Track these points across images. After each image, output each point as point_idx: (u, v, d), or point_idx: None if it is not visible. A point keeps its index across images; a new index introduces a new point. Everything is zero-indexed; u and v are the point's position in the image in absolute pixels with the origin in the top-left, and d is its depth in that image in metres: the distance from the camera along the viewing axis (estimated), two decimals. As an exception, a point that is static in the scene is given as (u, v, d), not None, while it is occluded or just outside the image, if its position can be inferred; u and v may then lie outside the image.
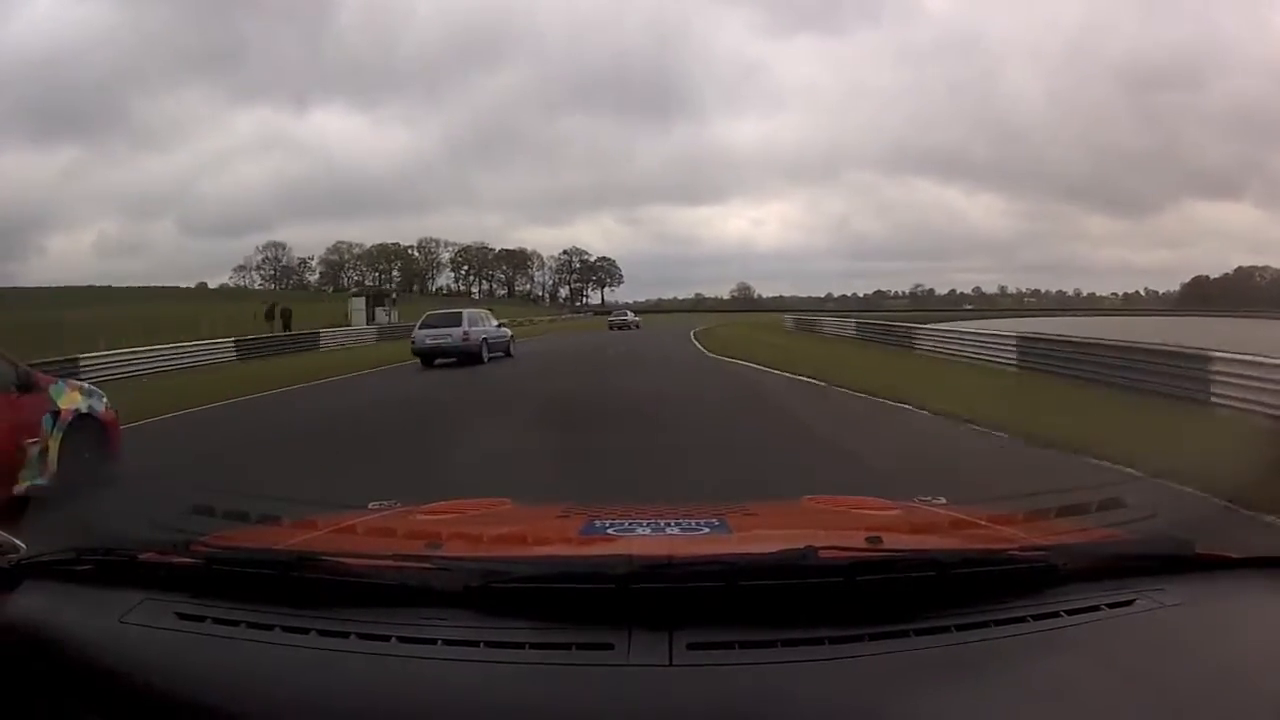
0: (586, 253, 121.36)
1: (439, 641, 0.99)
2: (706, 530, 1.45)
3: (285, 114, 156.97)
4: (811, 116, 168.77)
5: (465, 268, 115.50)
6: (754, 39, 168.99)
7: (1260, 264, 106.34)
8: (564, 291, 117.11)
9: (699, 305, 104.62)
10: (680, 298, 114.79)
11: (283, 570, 1.11)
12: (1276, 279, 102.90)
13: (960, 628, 1.01)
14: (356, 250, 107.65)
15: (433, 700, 0.93)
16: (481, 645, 0.98)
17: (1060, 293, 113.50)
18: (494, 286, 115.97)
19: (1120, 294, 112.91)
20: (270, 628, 1.03)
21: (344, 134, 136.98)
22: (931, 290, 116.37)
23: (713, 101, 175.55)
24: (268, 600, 1.08)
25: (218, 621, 1.06)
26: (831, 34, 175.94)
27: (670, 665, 0.94)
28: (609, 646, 0.96)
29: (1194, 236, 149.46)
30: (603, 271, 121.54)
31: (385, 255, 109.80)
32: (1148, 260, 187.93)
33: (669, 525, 1.46)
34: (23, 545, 1.18)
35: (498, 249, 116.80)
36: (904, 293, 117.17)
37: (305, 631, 1.02)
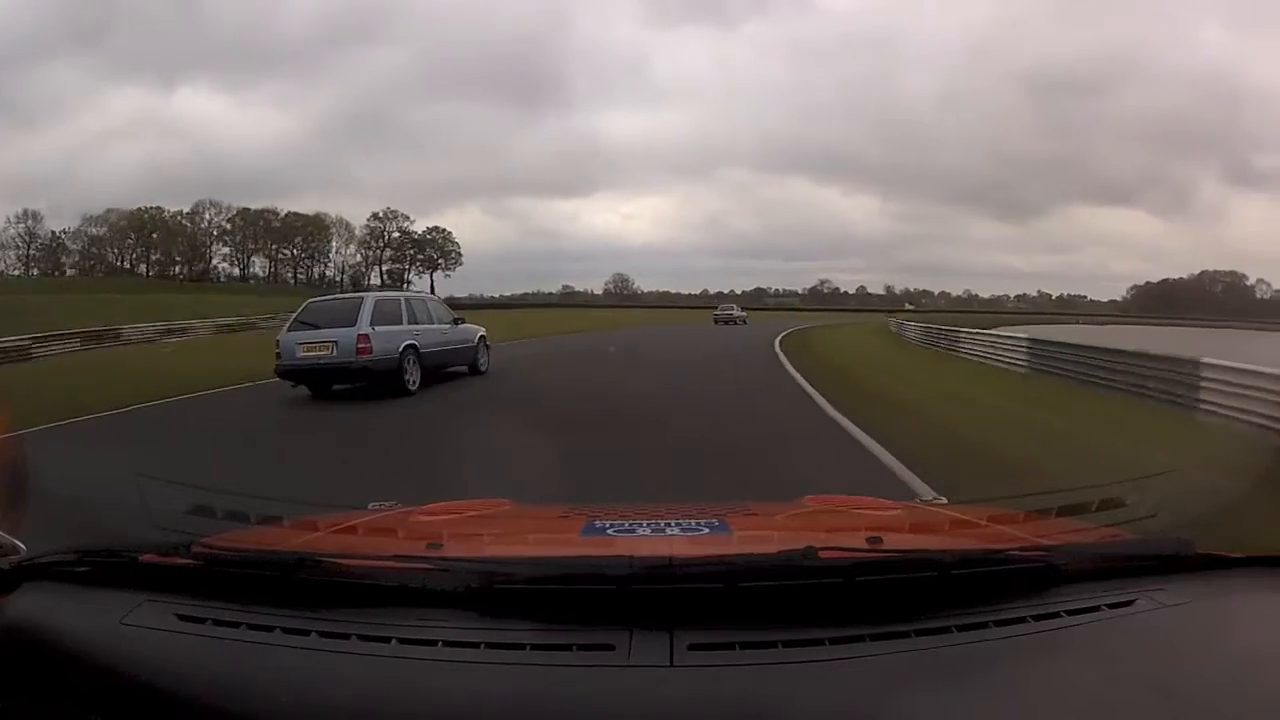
0: (409, 218, 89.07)
1: (439, 643, 0.99)
2: (707, 531, 1.45)
3: (152, 95, 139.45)
4: (691, 111, 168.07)
5: (243, 240, 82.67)
6: (638, 28, 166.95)
7: (1223, 269, 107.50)
8: (375, 275, 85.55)
9: (569, 300, 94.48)
10: (545, 291, 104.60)
11: (283, 571, 1.11)
12: (1235, 287, 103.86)
13: (961, 628, 1.01)
14: (116, 220, 79.05)
15: (433, 701, 0.93)
16: (482, 646, 0.98)
17: (945, 293, 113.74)
18: (278, 267, 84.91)
19: (1011, 296, 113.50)
20: (271, 629, 1.03)
21: (214, 116, 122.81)
22: (815, 287, 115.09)
23: (590, 92, 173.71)
24: (268, 601, 1.08)
25: (218, 623, 1.05)
26: (718, 26, 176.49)
27: (671, 666, 0.94)
28: (610, 647, 0.96)
29: (1082, 242, 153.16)
30: (433, 247, 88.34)
31: (144, 223, 79.30)
32: (1032, 265, 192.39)
33: (669, 526, 1.46)
34: (23, 546, 1.18)
35: (284, 212, 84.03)
36: (783, 290, 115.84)
37: (306, 633, 1.02)
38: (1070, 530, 1.46)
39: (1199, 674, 0.97)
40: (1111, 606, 1.07)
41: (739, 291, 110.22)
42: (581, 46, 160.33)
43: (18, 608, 1.10)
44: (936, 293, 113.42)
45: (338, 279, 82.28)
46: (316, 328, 10.61)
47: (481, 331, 13.19)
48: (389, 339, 10.57)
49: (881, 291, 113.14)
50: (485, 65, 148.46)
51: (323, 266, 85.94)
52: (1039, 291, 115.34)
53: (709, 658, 0.95)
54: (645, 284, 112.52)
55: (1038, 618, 1.04)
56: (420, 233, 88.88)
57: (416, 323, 11.38)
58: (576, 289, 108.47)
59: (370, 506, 1.81)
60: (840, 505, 1.98)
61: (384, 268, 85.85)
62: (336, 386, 10.69)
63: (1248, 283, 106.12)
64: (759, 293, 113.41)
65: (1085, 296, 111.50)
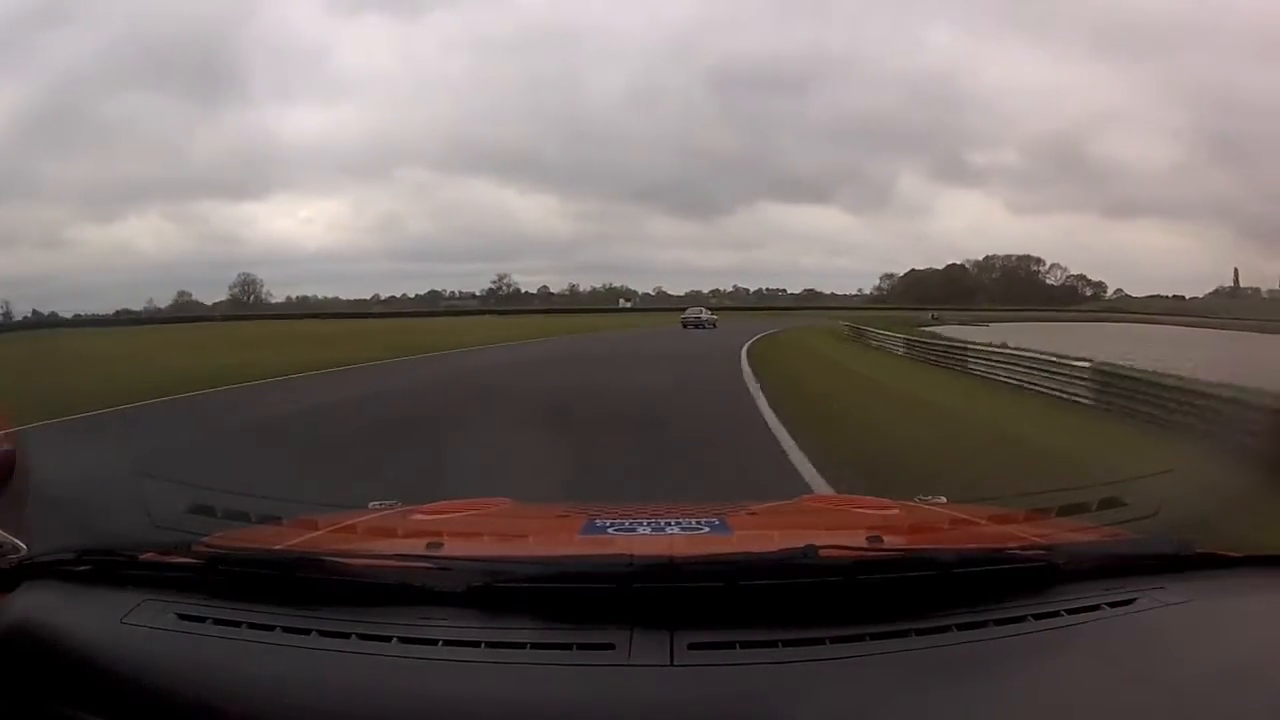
0: None
1: (440, 642, 0.99)
2: (707, 530, 1.45)
3: None
4: (371, 108, 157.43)
5: None
6: (318, 16, 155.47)
7: (1015, 254, 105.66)
8: None
9: (183, 311, 79.58)
10: (159, 305, 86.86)
11: (284, 571, 1.11)
12: (1021, 273, 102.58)
13: (961, 627, 1.01)
14: None
15: (434, 700, 0.93)
16: (483, 645, 0.98)
17: (626, 287, 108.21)
18: None
19: (706, 291, 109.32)
20: (271, 628, 1.03)
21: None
22: (492, 288, 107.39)
23: (269, 86, 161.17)
24: (269, 601, 1.08)
25: (218, 622, 1.05)
26: (402, 16, 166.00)
27: (671, 665, 0.94)
28: (610, 646, 0.96)
29: (767, 238, 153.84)
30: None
31: None
32: (715, 261, 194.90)
33: (669, 525, 1.46)
34: (24, 545, 1.18)
35: None
36: (460, 292, 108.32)
37: (306, 632, 1.02)
38: (1071, 529, 1.46)
39: (1199, 672, 0.97)
40: (1112, 605, 1.07)
41: (412, 295, 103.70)
42: (262, 33, 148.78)
43: (18, 607, 1.09)
44: (622, 286, 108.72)
45: None
46: None
47: None
48: None
49: (565, 291, 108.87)
50: (164, 53, 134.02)
51: None
52: (735, 286, 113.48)
53: (709, 657, 0.95)
54: (315, 290, 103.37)
55: (1038, 617, 1.04)
56: None
57: None
58: (197, 299, 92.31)
59: (370, 506, 1.80)
60: (840, 504, 1.98)
61: None
62: None
63: (1039, 269, 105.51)
64: (433, 296, 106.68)
65: (784, 290, 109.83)
